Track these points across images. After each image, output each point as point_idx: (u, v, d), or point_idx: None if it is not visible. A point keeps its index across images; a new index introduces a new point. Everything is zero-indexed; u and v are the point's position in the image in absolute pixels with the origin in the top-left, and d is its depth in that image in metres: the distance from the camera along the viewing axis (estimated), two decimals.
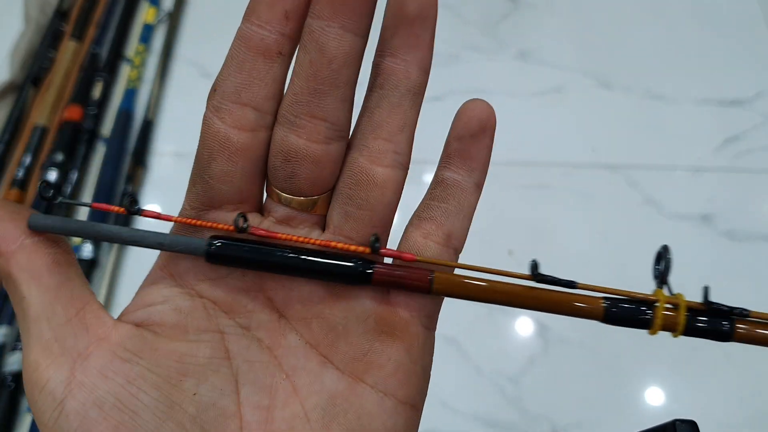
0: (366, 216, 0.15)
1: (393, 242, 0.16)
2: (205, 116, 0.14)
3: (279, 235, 0.13)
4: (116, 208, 0.14)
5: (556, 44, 0.72)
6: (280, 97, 0.14)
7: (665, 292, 0.14)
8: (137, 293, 0.15)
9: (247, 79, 0.13)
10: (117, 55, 0.71)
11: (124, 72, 0.71)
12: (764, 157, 0.63)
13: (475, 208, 0.16)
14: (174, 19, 0.74)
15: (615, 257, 0.58)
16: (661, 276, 0.14)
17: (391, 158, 0.15)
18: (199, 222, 0.14)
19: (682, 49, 0.71)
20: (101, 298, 0.56)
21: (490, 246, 0.59)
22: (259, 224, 0.15)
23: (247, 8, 0.13)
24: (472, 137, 0.15)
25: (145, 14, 0.74)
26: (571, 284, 0.14)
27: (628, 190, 0.62)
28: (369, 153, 0.15)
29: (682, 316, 0.14)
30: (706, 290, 0.14)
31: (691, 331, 0.14)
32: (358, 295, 0.14)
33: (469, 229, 0.16)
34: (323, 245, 0.14)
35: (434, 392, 0.55)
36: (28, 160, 0.62)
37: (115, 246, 0.59)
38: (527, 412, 0.52)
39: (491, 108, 0.15)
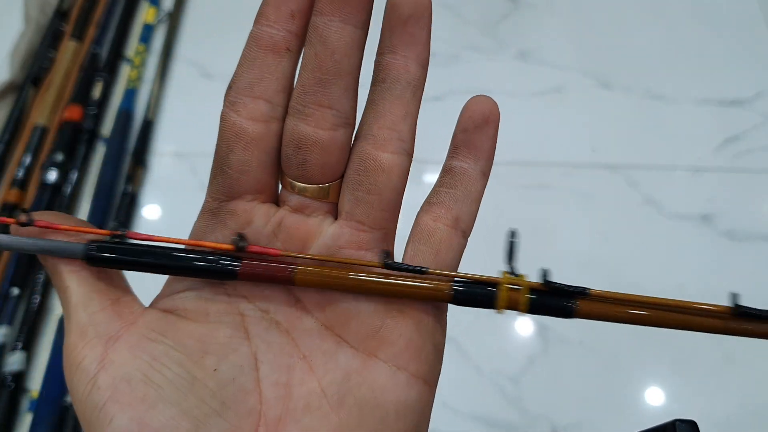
0: (375, 200, 0.16)
1: (401, 238, 0.17)
2: (222, 113, 0.15)
3: (156, 237, 0.15)
4: (5, 219, 0.15)
5: (556, 44, 0.72)
6: (290, 90, 0.15)
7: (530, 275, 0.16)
8: (164, 285, 0.16)
9: (258, 74, 0.15)
10: (117, 55, 0.71)
11: (124, 72, 0.71)
12: (764, 157, 0.63)
13: (482, 195, 0.17)
14: (174, 19, 0.74)
15: (615, 257, 0.58)
16: (508, 259, 0.15)
17: (395, 145, 0.16)
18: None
19: (682, 49, 0.71)
20: None
21: (490, 246, 0.59)
22: (274, 214, 0.16)
23: (258, 12, 0.15)
24: (477, 128, 0.16)
25: (145, 14, 0.74)
26: (421, 271, 0.15)
27: (628, 190, 0.62)
28: (375, 141, 0.16)
29: (524, 295, 0.15)
30: (544, 273, 0.15)
31: (535, 309, 0.15)
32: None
33: (476, 214, 0.17)
34: (194, 244, 0.15)
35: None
36: (28, 160, 0.62)
37: None
38: (527, 412, 0.52)
39: (495, 103, 0.16)
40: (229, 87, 0.15)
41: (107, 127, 0.67)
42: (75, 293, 0.14)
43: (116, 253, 0.15)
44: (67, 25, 0.72)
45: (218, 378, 0.14)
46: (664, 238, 0.60)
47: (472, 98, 0.16)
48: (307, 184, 0.16)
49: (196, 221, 0.16)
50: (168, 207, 0.61)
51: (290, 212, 0.16)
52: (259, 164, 0.15)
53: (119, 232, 0.15)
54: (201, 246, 0.15)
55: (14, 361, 0.53)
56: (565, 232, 0.60)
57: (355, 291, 0.15)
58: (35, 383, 0.53)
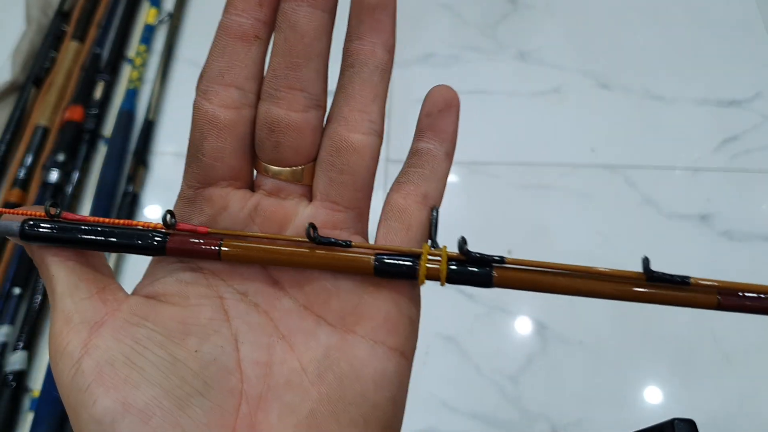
0: (348, 180, 0.16)
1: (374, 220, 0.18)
2: (194, 102, 0.16)
3: (90, 218, 0.16)
4: None
5: (556, 45, 0.72)
6: (260, 77, 0.16)
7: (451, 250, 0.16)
8: (145, 273, 0.17)
9: (228, 62, 0.15)
10: (118, 55, 0.72)
11: (126, 72, 0.71)
12: (763, 157, 0.64)
13: (447, 174, 0.17)
14: (175, 19, 0.74)
15: (614, 257, 0.58)
16: (430, 234, 0.16)
17: (366, 126, 0.16)
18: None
19: (681, 49, 0.71)
20: None
21: (490, 245, 0.59)
22: (250, 199, 0.16)
23: (227, 2, 0.16)
24: (440, 113, 0.17)
25: (147, 15, 0.75)
26: (347, 244, 0.15)
27: (627, 190, 0.62)
28: (346, 123, 0.16)
29: (443, 266, 0.15)
30: (461, 241, 0.15)
31: (454, 279, 0.15)
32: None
33: (443, 192, 0.17)
34: (126, 224, 0.16)
35: (434, 392, 0.55)
36: (29, 160, 0.63)
37: None
38: (526, 411, 0.52)
39: (455, 91, 0.17)
40: (201, 76, 0.16)
41: (108, 127, 0.67)
42: (61, 282, 0.15)
43: (51, 230, 0.15)
44: (68, 25, 0.72)
45: (200, 359, 0.14)
46: (663, 238, 0.60)
47: (434, 87, 0.17)
48: (281, 167, 0.16)
49: (175, 206, 0.17)
50: (169, 207, 0.62)
51: (266, 196, 0.16)
52: (233, 150, 0.16)
53: (55, 211, 0.16)
54: (133, 225, 0.16)
55: (16, 360, 0.53)
56: (564, 231, 0.60)
57: (282, 264, 0.15)
58: (36, 383, 0.53)
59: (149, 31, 0.73)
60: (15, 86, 0.69)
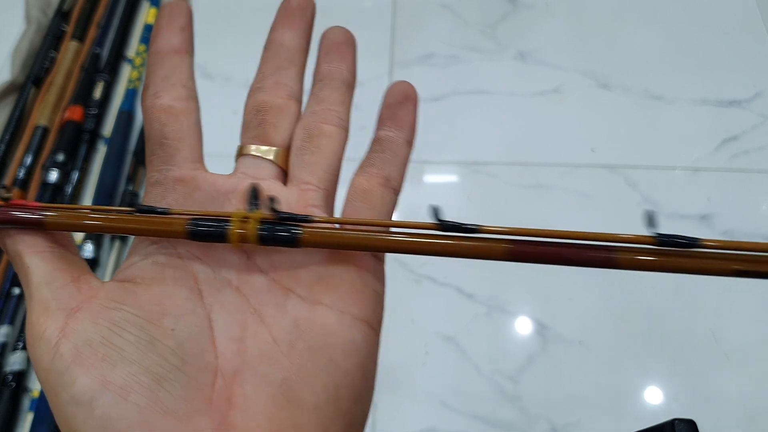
0: (318, 161, 0.18)
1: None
2: (146, 105, 0.18)
3: None
4: None
5: (555, 45, 0.72)
6: (194, 82, 0.19)
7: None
8: (124, 260, 0.17)
9: (169, 69, 0.18)
10: (118, 55, 0.72)
11: (125, 72, 0.71)
12: (762, 157, 0.64)
13: (408, 159, 0.19)
14: None
15: None
16: (249, 204, 0.16)
17: (335, 119, 0.18)
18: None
19: (681, 49, 0.71)
20: None
21: None
22: (228, 180, 0.18)
23: (153, 31, 0.19)
24: (399, 104, 0.19)
25: (146, 15, 0.75)
26: (164, 212, 0.16)
27: (627, 190, 0.62)
28: (317, 116, 0.19)
29: (252, 227, 0.15)
30: (270, 201, 0.16)
31: (265, 240, 0.15)
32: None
33: (405, 175, 0.19)
34: None
35: (433, 391, 0.55)
36: (29, 160, 0.63)
37: (116, 246, 0.60)
38: (526, 411, 0.52)
39: (413, 86, 0.19)
40: (145, 87, 0.18)
41: (108, 127, 0.67)
42: (37, 272, 0.15)
43: None
44: (68, 25, 0.72)
45: (176, 337, 0.15)
46: None
47: (393, 82, 0.19)
48: (262, 144, 0.18)
49: (143, 198, 0.18)
50: None
51: (245, 177, 0.17)
52: (192, 134, 0.18)
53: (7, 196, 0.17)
54: None
55: (15, 360, 0.53)
56: None
57: (109, 232, 0.16)
58: (36, 383, 0.53)
59: (149, 31, 0.73)
60: (14, 86, 0.68)
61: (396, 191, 0.18)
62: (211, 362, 0.15)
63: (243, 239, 0.15)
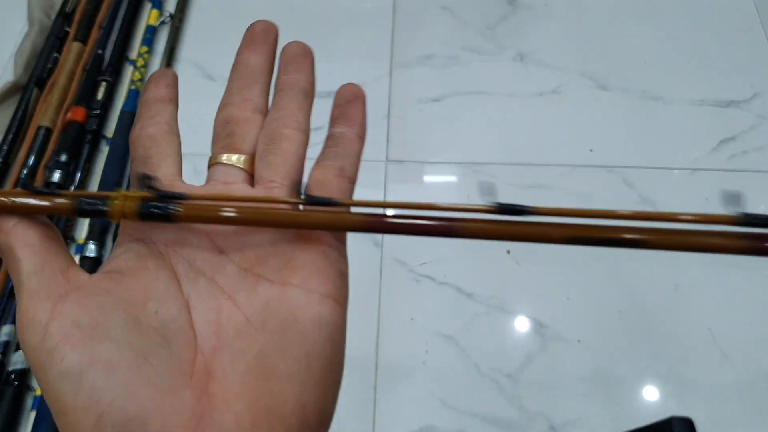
0: (280, 161, 0.19)
1: None
2: (133, 136, 0.20)
3: None
4: None
5: (554, 46, 0.73)
6: (176, 123, 0.21)
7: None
8: (108, 256, 0.19)
9: (154, 112, 0.20)
10: (120, 56, 0.72)
11: (128, 73, 0.71)
12: (760, 157, 0.64)
13: (361, 153, 0.20)
14: (176, 20, 0.75)
15: (613, 256, 0.59)
16: (139, 186, 0.18)
17: (294, 123, 0.20)
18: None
19: (679, 50, 0.72)
20: None
21: (489, 245, 0.59)
22: (202, 187, 0.19)
23: (145, 86, 0.21)
24: (348, 103, 0.21)
25: (148, 16, 0.75)
26: (57, 193, 0.17)
27: (626, 190, 0.63)
28: (277, 122, 0.20)
29: (131, 204, 0.17)
30: (145, 178, 0.17)
31: (144, 216, 0.17)
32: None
33: (358, 168, 0.20)
34: None
35: (433, 390, 0.55)
36: (32, 160, 0.63)
37: None
38: (525, 409, 0.53)
39: (360, 87, 0.21)
40: (133, 126, 0.20)
41: (111, 127, 0.67)
42: (27, 264, 0.16)
43: None
44: (70, 27, 0.73)
45: (159, 319, 0.16)
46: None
47: (342, 85, 0.21)
48: (232, 153, 0.19)
49: None
50: None
51: (216, 183, 0.19)
52: (172, 155, 0.19)
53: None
54: None
55: (18, 359, 0.53)
56: None
57: (38, 212, 0.18)
58: None
59: (151, 32, 0.74)
60: (17, 87, 0.69)
61: (351, 181, 0.20)
62: (191, 341, 0.16)
63: (124, 215, 0.17)
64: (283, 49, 0.22)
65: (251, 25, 0.22)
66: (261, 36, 0.22)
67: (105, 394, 0.14)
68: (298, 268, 0.17)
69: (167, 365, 0.15)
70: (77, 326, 0.15)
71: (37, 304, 0.16)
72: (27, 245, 0.17)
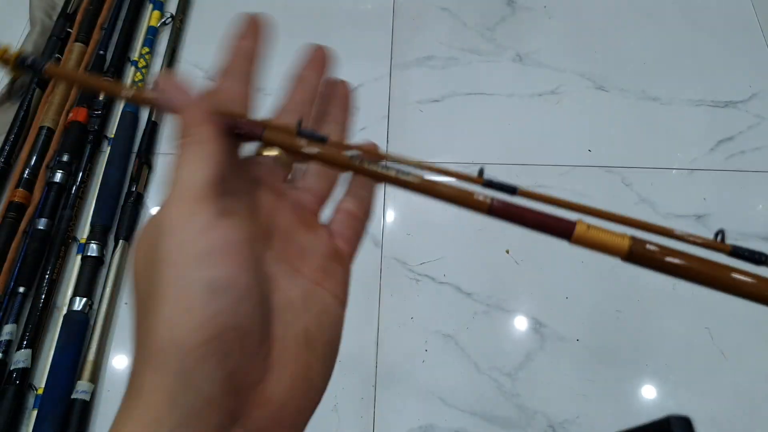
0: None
1: None
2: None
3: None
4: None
5: (553, 47, 0.73)
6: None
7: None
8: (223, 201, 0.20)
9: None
10: (122, 57, 0.72)
11: (129, 74, 0.72)
12: (758, 157, 0.64)
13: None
14: (178, 22, 0.75)
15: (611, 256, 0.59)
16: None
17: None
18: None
19: (678, 51, 0.72)
20: (107, 294, 0.57)
21: (489, 245, 0.60)
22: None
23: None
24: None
25: (150, 17, 0.76)
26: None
27: (624, 190, 0.63)
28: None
29: (12, 59, 0.19)
30: (21, 59, 0.19)
31: (18, 70, 0.19)
32: (317, 228, 0.21)
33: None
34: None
35: (432, 389, 0.55)
36: (34, 160, 0.63)
37: (119, 243, 0.60)
38: (524, 407, 0.53)
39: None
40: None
41: (112, 128, 0.68)
42: (214, 149, 0.18)
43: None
44: (72, 27, 0.73)
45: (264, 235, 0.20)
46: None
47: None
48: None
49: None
50: None
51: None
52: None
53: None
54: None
55: (20, 358, 0.54)
56: None
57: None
58: (40, 380, 0.54)
59: (152, 34, 0.74)
60: (20, 88, 0.69)
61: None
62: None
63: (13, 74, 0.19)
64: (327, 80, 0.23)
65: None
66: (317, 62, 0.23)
67: (229, 318, 0.16)
68: (330, 276, 0.20)
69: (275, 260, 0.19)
70: (237, 247, 0.17)
71: (205, 206, 0.17)
72: (216, 132, 0.18)
